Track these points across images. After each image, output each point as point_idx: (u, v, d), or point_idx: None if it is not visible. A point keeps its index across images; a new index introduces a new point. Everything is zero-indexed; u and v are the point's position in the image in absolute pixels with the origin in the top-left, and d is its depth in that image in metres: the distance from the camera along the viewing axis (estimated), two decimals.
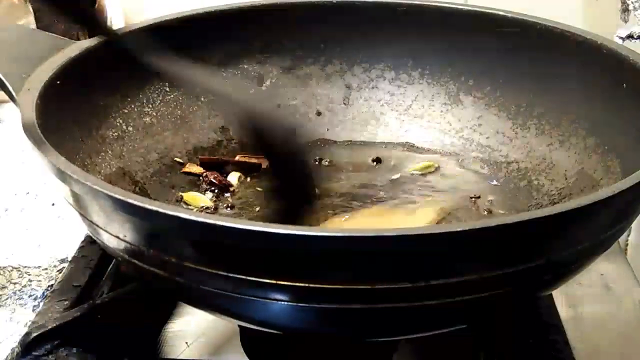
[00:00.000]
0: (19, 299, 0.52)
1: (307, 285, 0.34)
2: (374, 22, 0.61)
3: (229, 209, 0.53)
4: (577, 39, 0.53)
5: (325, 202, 0.54)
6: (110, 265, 0.52)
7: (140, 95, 0.56)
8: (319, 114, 0.62)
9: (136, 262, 0.39)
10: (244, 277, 0.35)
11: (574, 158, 0.53)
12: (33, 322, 0.46)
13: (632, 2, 0.64)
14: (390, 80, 0.62)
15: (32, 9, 0.77)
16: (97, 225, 0.39)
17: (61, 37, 0.55)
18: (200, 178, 0.55)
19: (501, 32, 0.57)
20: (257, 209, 0.54)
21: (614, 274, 0.55)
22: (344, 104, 0.62)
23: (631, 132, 0.48)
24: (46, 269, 0.55)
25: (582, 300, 0.53)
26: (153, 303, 0.49)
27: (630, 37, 0.62)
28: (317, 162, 0.59)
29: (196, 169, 0.56)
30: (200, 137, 0.58)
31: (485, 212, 0.53)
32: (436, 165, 0.58)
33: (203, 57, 0.59)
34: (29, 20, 0.77)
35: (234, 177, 0.56)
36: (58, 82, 0.48)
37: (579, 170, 0.52)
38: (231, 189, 0.55)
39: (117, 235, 0.38)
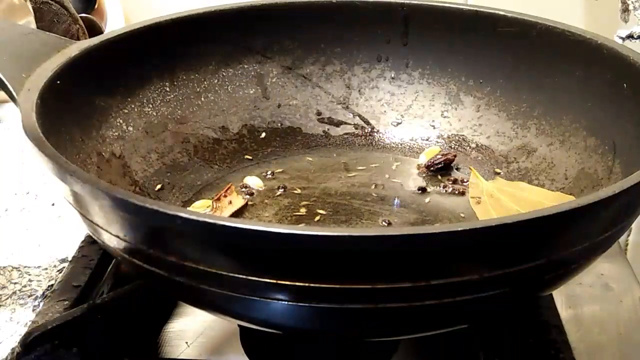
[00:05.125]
0: (19, 298, 0.52)
1: (307, 285, 0.34)
2: (375, 22, 0.61)
3: None
4: (577, 39, 0.53)
5: (325, 201, 0.54)
6: (111, 265, 0.52)
7: (140, 96, 0.56)
8: (319, 113, 0.62)
9: (136, 261, 0.39)
10: (244, 276, 0.35)
11: (574, 158, 0.53)
12: (33, 322, 0.46)
13: (632, 2, 0.64)
14: (390, 80, 0.62)
15: (32, 9, 0.77)
16: (98, 225, 0.39)
17: (61, 37, 0.56)
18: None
19: (501, 32, 0.57)
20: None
21: (614, 274, 0.55)
22: (344, 103, 0.62)
23: (631, 132, 0.48)
24: (46, 269, 0.55)
25: (582, 300, 0.53)
26: (153, 303, 0.49)
27: (630, 37, 0.62)
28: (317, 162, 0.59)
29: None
30: (200, 137, 0.58)
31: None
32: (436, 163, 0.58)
33: (203, 57, 0.59)
34: (29, 21, 0.77)
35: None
36: (58, 82, 0.48)
37: (579, 170, 0.52)
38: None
39: (117, 234, 0.38)
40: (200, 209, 0.53)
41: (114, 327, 0.46)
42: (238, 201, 0.53)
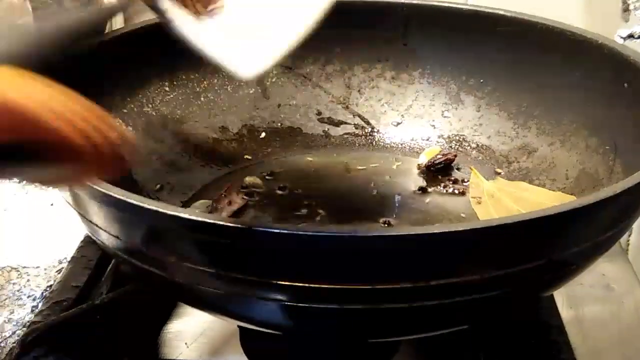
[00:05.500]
0: (18, 299, 0.52)
1: (307, 285, 0.34)
2: (375, 22, 0.61)
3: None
4: (577, 39, 0.53)
5: (325, 201, 0.54)
6: (110, 266, 0.52)
7: (140, 95, 0.56)
8: (319, 113, 0.62)
9: (135, 262, 0.38)
10: (243, 277, 0.35)
11: (575, 158, 0.53)
12: (32, 323, 0.46)
13: (632, 2, 0.65)
14: (390, 80, 0.62)
15: (31, 9, 0.77)
16: (97, 225, 0.39)
17: None
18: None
19: (502, 32, 0.57)
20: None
21: (615, 274, 0.55)
22: (344, 103, 0.62)
23: (632, 132, 0.48)
24: (45, 269, 0.55)
25: (584, 300, 0.53)
26: (152, 303, 0.49)
27: (630, 36, 0.62)
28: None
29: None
30: (200, 137, 0.58)
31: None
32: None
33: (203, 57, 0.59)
34: (28, 21, 0.77)
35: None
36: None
37: (580, 170, 0.52)
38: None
39: (116, 235, 0.38)
40: (200, 209, 0.52)
41: (113, 328, 0.46)
42: (238, 201, 0.53)
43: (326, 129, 0.62)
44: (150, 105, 0.56)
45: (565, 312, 0.50)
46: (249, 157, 0.59)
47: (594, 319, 0.51)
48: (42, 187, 0.38)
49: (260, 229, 0.33)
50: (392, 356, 0.45)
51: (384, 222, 0.51)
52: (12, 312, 0.51)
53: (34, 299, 0.52)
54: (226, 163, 0.58)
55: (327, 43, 0.62)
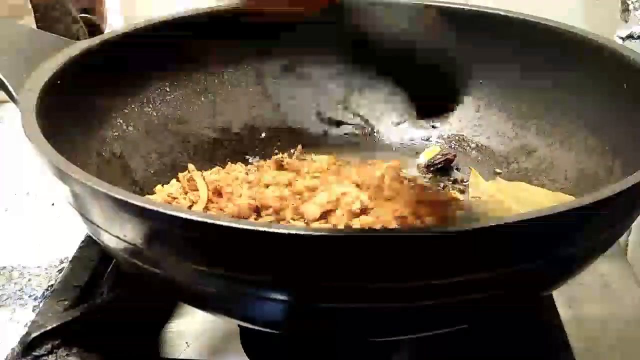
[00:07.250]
0: (19, 298, 0.52)
1: (307, 285, 0.34)
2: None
3: None
4: (577, 39, 0.53)
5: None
6: (111, 266, 0.52)
7: (141, 95, 0.56)
8: (319, 113, 0.62)
9: (136, 262, 0.39)
10: (243, 276, 0.35)
11: (574, 158, 0.53)
12: (33, 322, 0.46)
13: (632, 2, 0.65)
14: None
15: (33, 9, 0.77)
16: (97, 226, 0.39)
17: (61, 37, 0.55)
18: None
19: (501, 32, 0.57)
20: None
21: (614, 274, 0.55)
22: (345, 103, 0.62)
23: (632, 132, 0.48)
24: (46, 269, 0.55)
25: (583, 300, 0.53)
26: (153, 303, 0.49)
27: (630, 37, 0.62)
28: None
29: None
30: (200, 137, 0.58)
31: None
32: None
33: (203, 57, 0.59)
34: (29, 20, 0.77)
35: None
36: (58, 82, 0.48)
37: (579, 171, 0.52)
38: None
39: (117, 235, 0.38)
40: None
41: (114, 327, 0.46)
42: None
43: (326, 129, 0.62)
44: (150, 106, 0.56)
45: (564, 311, 0.50)
46: (249, 157, 0.59)
47: (593, 318, 0.51)
48: None
49: (260, 229, 0.33)
50: (392, 355, 0.45)
51: None
52: (13, 312, 0.51)
53: (35, 299, 0.52)
54: (226, 163, 0.58)
55: (327, 42, 0.62)
